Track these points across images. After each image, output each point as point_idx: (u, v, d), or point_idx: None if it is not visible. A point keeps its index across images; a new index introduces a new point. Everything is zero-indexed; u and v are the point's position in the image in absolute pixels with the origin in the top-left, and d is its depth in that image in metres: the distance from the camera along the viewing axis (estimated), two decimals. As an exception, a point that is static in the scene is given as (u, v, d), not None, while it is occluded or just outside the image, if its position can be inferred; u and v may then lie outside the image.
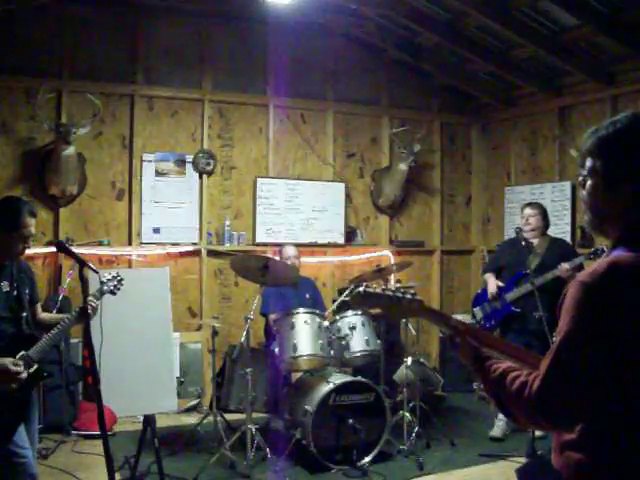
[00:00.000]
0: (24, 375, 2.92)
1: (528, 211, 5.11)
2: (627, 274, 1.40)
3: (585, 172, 1.56)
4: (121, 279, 3.45)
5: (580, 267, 4.74)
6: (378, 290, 1.73)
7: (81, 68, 5.81)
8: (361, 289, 1.74)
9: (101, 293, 3.34)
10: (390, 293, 1.73)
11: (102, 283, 3.36)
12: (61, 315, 3.35)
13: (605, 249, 4.45)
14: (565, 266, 4.69)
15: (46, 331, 3.13)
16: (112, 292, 3.40)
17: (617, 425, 1.42)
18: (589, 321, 1.39)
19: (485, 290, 5.30)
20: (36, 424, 3.26)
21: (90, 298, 3.08)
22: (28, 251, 3.86)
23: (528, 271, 4.85)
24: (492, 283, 5.18)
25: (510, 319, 5.06)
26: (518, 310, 4.98)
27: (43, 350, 3.07)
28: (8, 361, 2.89)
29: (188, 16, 6.14)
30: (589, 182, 1.55)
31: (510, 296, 5.03)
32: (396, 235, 7.10)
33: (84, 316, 2.92)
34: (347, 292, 4.96)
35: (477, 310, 5.32)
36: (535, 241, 5.04)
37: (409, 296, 1.73)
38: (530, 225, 5.04)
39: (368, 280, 5.44)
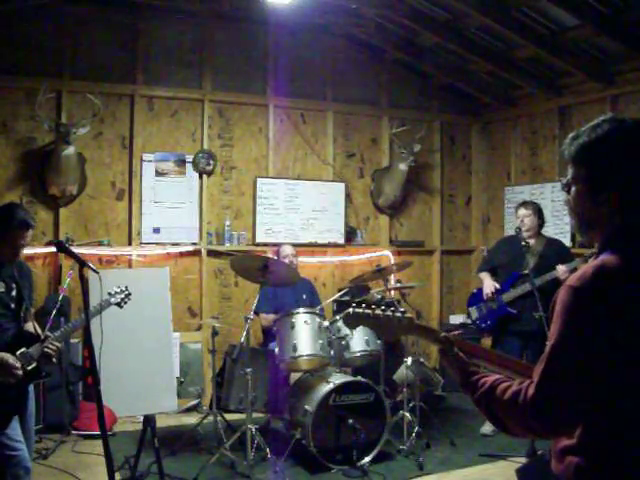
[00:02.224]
0: (20, 372, 2.96)
1: (522, 211, 5.10)
2: (614, 276, 1.41)
3: (569, 178, 1.57)
4: (129, 294, 3.58)
5: (575, 269, 4.73)
6: (367, 310, 1.71)
7: (81, 68, 5.81)
8: (350, 310, 1.72)
9: (108, 304, 3.45)
10: (380, 313, 1.71)
11: (110, 295, 3.50)
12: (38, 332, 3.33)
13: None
14: (563, 268, 4.71)
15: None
16: (119, 304, 3.53)
17: (615, 428, 1.42)
18: (579, 324, 1.39)
19: (481, 290, 5.28)
20: (32, 422, 3.29)
21: (50, 339, 3.12)
22: (28, 251, 3.86)
23: (526, 272, 4.81)
24: (489, 283, 5.17)
25: (506, 320, 5.05)
26: (514, 312, 4.98)
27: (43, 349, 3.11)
28: (7, 355, 2.94)
29: (188, 16, 6.14)
30: (573, 188, 1.56)
31: (506, 297, 5.03)
32: (396, 235, 7.10)
33: (86, 324, 2.91)
34: (342, 292, 4.93)
35: (472, 310, 5.31)
36: (532, 241, 5.02)
37: (399, 314, 1.72)
38: (525, 225, 5.02)
39: (368, 280, 5.46)
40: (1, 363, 2.91)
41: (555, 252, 4.98)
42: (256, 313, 5.30)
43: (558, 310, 1.43)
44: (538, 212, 5.09)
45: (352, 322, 1.75)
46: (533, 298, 4.66)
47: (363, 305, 1.74)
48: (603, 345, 1.38)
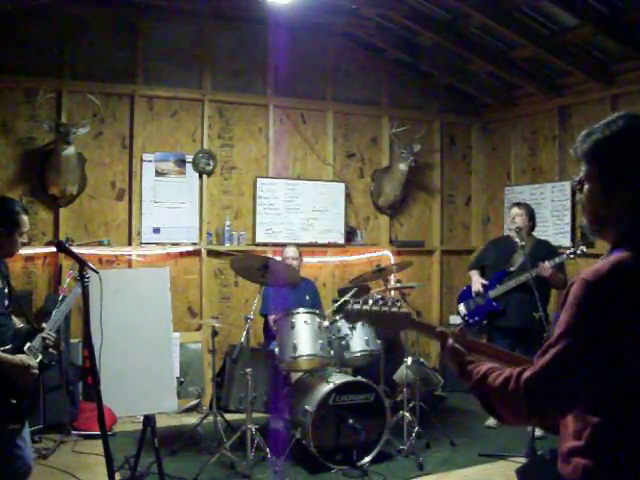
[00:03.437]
0: (37, 370, 3.00)
1: (515, 210, 5.32)
2: (630, 274, 1.41)
3: (581, 176, 1.56)
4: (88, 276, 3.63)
5: (560, 266, 4.99)
6: (365, 307, 1.76)
7: (81, 68, 5.81)
8: (349, 307, 1.79)
9: (77, 291, 3.49)
10: (377, 309, 1.76)
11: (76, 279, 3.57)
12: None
13: (584, 250, 4.80)
14: (546, 265, 4.88)
15: None
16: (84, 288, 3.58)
17: (623, 429, 1.42)
18: (590, 318, 1.39)
19: (469, 287, 5.52)
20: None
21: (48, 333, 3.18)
22: (28, 251, 3.89)
23: (512, 269, 5.13)
24: (476, 281, 5.43)
25: (493, 315, 5.30)
26: (500, 307, 5.22)
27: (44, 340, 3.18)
28: (24, 357, 2.96)
29: (188, 16, 6.13)
30: (586, 187, 1.55)
31: (493, 293, 5.27)
32: (396, 235, 7.10)
33: (85, 305, 2.95)
34: (346, 296, 4.90)
35: (462, 307, 5.56)
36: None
37: (395, 309, 1.77)
38: (516, 224, 5.21)
39: (368, 280, 5.46)
40: (23, 365, 2.90)
41: (543, 251, 5.12)
42: (262, 315, 5.31)
43: (570, 301, 1.42)
44: (530, 214, 5.28)
45: (351, 318, 1.82)
46: (518, 294, 5.02)
47: (361, 301, 1.79)
48: (612, 342, 1.37)
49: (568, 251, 4.93)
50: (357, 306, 1.77)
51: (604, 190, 1.51)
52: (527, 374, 1.41)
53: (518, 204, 5.43)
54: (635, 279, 1.40)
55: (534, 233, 5.34)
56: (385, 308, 1.75)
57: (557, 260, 4.93)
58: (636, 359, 1.38)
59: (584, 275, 1.43)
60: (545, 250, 5.17)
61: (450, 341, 1.69)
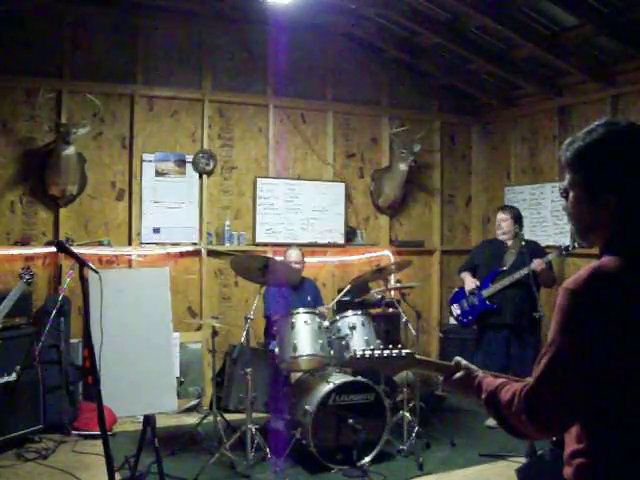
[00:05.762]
0: None
1: (500, 215, 5.45)
2: (610, 279, 1.42)
3: (566, 184, 1.58)
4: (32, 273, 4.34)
5: (550, 264, 5.13)
6: (367, 352, 1.83)
7: (81, 68, 5.81)
8: (352, 354, 1.86)
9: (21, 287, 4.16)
10: (378, 353, 1.82)
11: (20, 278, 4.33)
12: None
13: (575, 246, 4.91)
14: (538, 261, 4.99)
15: None
16: (28, 283, 4.29)
17: (615, 427, 1.43)
18: (574, 326, 1.41)
19: (462, 288, 5.56)
20: None
21: None
22: (28, 251, 3.89)
23: (504, 268, 5.23)
24: (469, 281, 5.47)
25: (486, 314, 5.35)
26: (494, 306, 5.28)
27: None
28: None
29: (188, 16, 6.13)
30: (571, 194, 1.57)
31: (486, 293, 5.32)
32: (396, 235, 7.10)
33: (85, 322, 2.99)
34: (345, 291, 4.92)
35: (455, 307, 5.59)
36: (509, 242, 5.39)
37: (396, 352, 1.82)
38: (502, 229, 5.39)
39: (368, 280, 5.46)
40: None
41: (531, 250, 5.18)
42: (267, 317, 5.30)
43: (555, 311, 1.45)
44: (515, 217, 5.39)
45: (357, 365, 1.89)
46: (510, 292, 5.15)
47: (364, 349, 1.86)
48: (600, 347, 1.38)
49: (562, 247, 5.04)
50: (360, 353, 1.84)
51: (589, 197, 1.52)
52: (527, 388, 1.45)
53: (503, 208, 5.57)
54: (617, 283, 1.42)
55: (524, 234, 5.44)
56: (387, 351, 1.82)
57: (549, 257, 5.05)
58: (625, 361, 1.39)
59: (566, 284, 1.45)
60: (533, 249, 5.23)
61: (462, 370, 1.73)
